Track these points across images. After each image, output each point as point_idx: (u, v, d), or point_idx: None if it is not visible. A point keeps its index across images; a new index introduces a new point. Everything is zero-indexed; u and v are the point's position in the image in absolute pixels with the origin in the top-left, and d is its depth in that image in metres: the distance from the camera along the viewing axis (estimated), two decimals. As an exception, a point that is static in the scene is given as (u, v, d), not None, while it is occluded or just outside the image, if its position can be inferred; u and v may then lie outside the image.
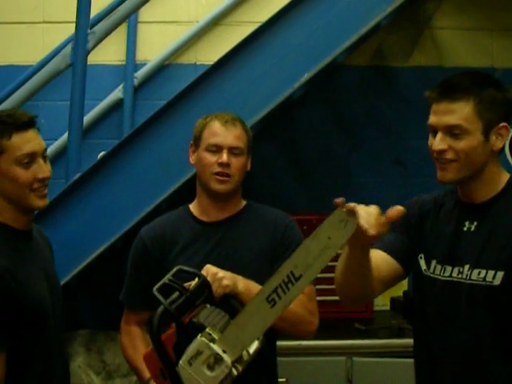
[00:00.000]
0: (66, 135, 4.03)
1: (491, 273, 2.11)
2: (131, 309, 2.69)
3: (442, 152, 2.13)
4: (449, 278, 2.20)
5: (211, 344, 1.94)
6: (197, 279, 2.17)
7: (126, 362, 2.70)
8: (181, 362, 1.97)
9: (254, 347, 2.00)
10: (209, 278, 2.22)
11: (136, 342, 2.63)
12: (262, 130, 3.63)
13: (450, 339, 2.20)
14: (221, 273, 2.30)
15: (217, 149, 2.56)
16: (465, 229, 2.21)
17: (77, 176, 3.30)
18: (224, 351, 1.93)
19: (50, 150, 4.30)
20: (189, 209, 2.69)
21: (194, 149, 2.64)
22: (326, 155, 4.39)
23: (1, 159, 2.27)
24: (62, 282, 3.30)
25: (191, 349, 1.97)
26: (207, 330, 1.98)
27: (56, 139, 4.30)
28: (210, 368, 1.95)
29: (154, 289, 2.09)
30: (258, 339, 2.01)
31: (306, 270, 1.86)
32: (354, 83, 4.37)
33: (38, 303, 2.31)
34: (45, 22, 4.37)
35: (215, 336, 1.96)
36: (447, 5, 4.39)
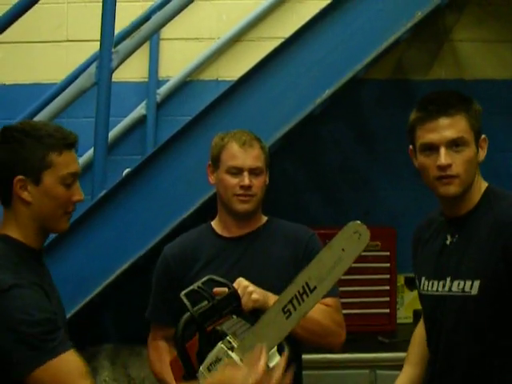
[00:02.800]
0: (90, 152, 4.09)
1: (468, 283, 2.15)
2: (157, 326, 2.71)
3: (447, 167, 2.16)
4: (435, 293, 2.25)
5: (230, 352, 1.95)
6: (226, 289, 2.19)
7: (154, 376, 2.72)
8: (201, 368, 1.98)
9: (274, 361, 1.98)
10: (239, 291, 2.24)
11: (163, 356, 2.65)
12: (284, 145, 3.66)
13: (445, 354, 2.23)
14: (251, 287, 2.33)
15: (237, 171, 2.58)
16: (447, 242, 2.25)
17: (103, 193, 3.33)
18: (242, 360, 1.93)
19: (75, 166, 4.35)
20: (211, 226, 2.72)
21: (213, 169, 2.67)
22: (347, 169, 4.40)
23: (46, 173, 2.13)
24: (88, 298, 3.36)
25: (211, 355, 1.97)
26: (228, 338, 1.98)
27: (80, 156, 4.34)
28: None
29: (182, 293, 2.10)
30: (279, 354, 2.01)
31: (320, 282, 1.86)
32: (375, 97, 4.39)
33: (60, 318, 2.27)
34: (68, 41, 4.43)
35: (235, 344, 1.96)
36: (467, 17, 4.39)
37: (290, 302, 1.89)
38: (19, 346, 1.97)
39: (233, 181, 2.58)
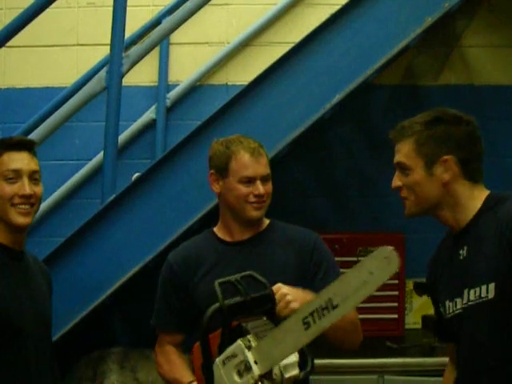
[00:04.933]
0: (99, 156, 4.11)
1: (484, 288, 2.13)
2: (163, 332, 2.71)
3: (398, 189, 2.31)
4: (458, 311, 2.22)
5: (246, 350, 1.95)
6: (264, 290, 2.19)
7: (162, 379, 2.71)
8: (217, 359, 1.99)
9: (292, 373, 1.98)
10: (277, 296, 2.23)
11: (170, 357, 2.65)
12: (294, 149, 3.66)
13: (470, 360, 2.21)
14: (290, 296, 2.31)
15: (250, 180, 2.57)
16: (461, 257, 2.24)
17: (112, 197, 3.34)
18: (256, 362, 1.94)
19: (84, 170, 4.37)
20: (213, 231, 2.72)
21: (218, 177, 2.63)
22: (356, 174, 4.40)
23: None
24: (97, 302, 3.36)
25: (229, 350, 1.98)
26: (249, 336, 1.99)
27: (90, 159, 4.37)
28: (240, 374, 1.96)
29: (217, 282, 2.11)
30: (298, 368, 2.00)
31: (343, 301, 1.85)
32: (384, 102, 4.39)
33: (10, 317, 2.36)
34: (79, 45, 4.44)
35: (253, 344, 1.97)
36: (477, 23, 4.39)
37: (311, 314, 1.88)
38: None
39: (246, 190, 2.57)
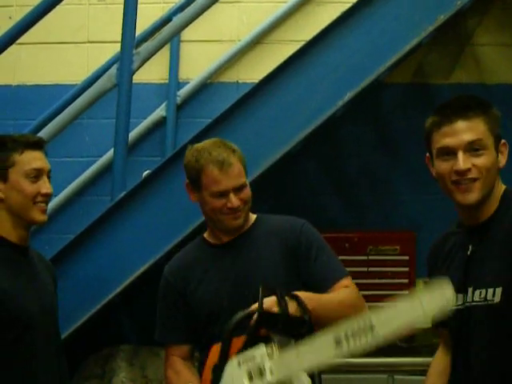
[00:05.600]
0: (109, 153, 4.11)
1: (491, 291, 2.07)
2: (169, 345, 2.67)
3: (466, 172, 2.07)
4: (459, 306, 2.13)
5: (266, 357, 1.92)
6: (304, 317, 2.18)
7: None
8: (234, 358, 1.97)
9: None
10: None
11: (177, 368, 2.59)
12: (305, 147, 3.65)
13: (477, 366, 2.13)
14: None
15: (222, 193, 2.50)
16: (469, 253, 2.16)
17: (122, 194, 3.34)
18: (272, 372, 1.90)
19: (94, 167, 4.38)
20: (203, 237, 2.69)
21: (193, 189, 2.57)
22: (367, 172, 4.39)
23: (11, 171, 2.45)
24: (107, 299, 3.36)
25: (249, 351, 1.96)
26: (273, 345, 1.96)
27: (100, 156, 4.37)
28: (250, 378, 1.93)
29: (261, 287, 2.11)
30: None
31: (383, 326, 1.76)
32: (396, 100, 4.38)
33: (19, 312, 2.39)
34: (89, 42, 4.45)
35: (275, 354, 1.93)
36: (489, 21, 4.37)
37: (346, 334, 1.80)
38: None
39: (219, 203, 2.51)
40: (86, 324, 3.39)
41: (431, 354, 3.72)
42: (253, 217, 2.67)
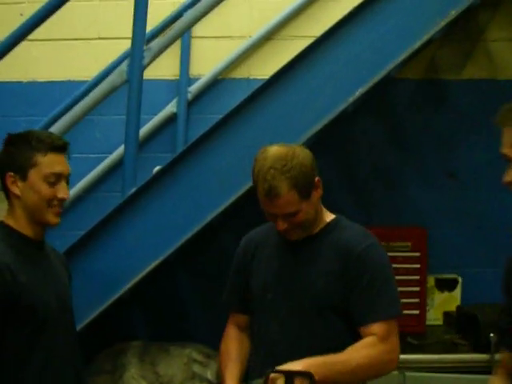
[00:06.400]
0: (120, 149, 4.11)
1: None
2: (229, 311, 2.71)
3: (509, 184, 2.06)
4: None
5: None
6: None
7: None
8: None
9: None
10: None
11: (228, 345, 2.63)
12: (316, 143, 3.64)
13: None
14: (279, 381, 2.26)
15: (270, 215, 2.46)
16: None
17: (133, 190, 3.34)
18: None
19: (105, 163, 4.38)
20: None
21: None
22: (378, 168, 4.38)
23: (31, 171, 2.46)
24: (117, 295, 3.37)
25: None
26: None
27: (111, 153, 4.37)
28: None
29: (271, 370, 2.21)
30: None
31: None
32: (407, 96, 4.36)
33: (37, 306, 2.41)
34: (100, 39, 4.45)
35: None
36: (501, 16, 4.35)
37: None
38: None
39: (273, 221, 2.47)
40: (96, 320, 3.39)
41: (442, 350, 3.76)
42: (329, 218, 2.59)
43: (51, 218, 2.50)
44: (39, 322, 2.41)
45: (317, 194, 2.49)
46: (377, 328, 2.37)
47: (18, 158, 2.47)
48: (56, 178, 2.48)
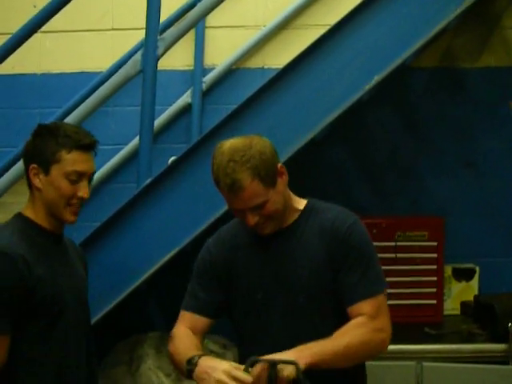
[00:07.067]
0: (135, 140, 4.11)
1: None
2: (188, 309, 2.61)
3: None
4: None
5: None
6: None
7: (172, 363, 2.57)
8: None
9: None
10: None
11: (181, 344, 2.48)
12: (332, 132, 3.63)
13: None
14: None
15: (238, 211, 2.44)
16: None
17: (148, 181, 3.33)
18: None
19: (120, 154, 4.39)
20: None
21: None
22: (394, 157, 4.36)
23: (54, 167, 2.45)
24: (134, 286, 3.37)
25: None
26: None
27: (126, 144, 4.37)
28: None
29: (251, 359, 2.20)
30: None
31: None
32: (423, 85, 4.34)
33: (54, 298, 2.41)
34: (113, 29, 4.45)
35: None
36: (517, 3, 4.32)
37: None
38: None
39: (242, 218, 2.45)
40: (113, 311, 3.39)
41: (460, 340, 3.74)
42: (302, 203, 2.54)
43: (68, 216, 2.49)
44: (54, 315, 2.42)
45: (282, 181, 2.43)
46: (365, 306, 2.36)
47: (43, 152, 2.45)
48: (78, 177, 2.46)
